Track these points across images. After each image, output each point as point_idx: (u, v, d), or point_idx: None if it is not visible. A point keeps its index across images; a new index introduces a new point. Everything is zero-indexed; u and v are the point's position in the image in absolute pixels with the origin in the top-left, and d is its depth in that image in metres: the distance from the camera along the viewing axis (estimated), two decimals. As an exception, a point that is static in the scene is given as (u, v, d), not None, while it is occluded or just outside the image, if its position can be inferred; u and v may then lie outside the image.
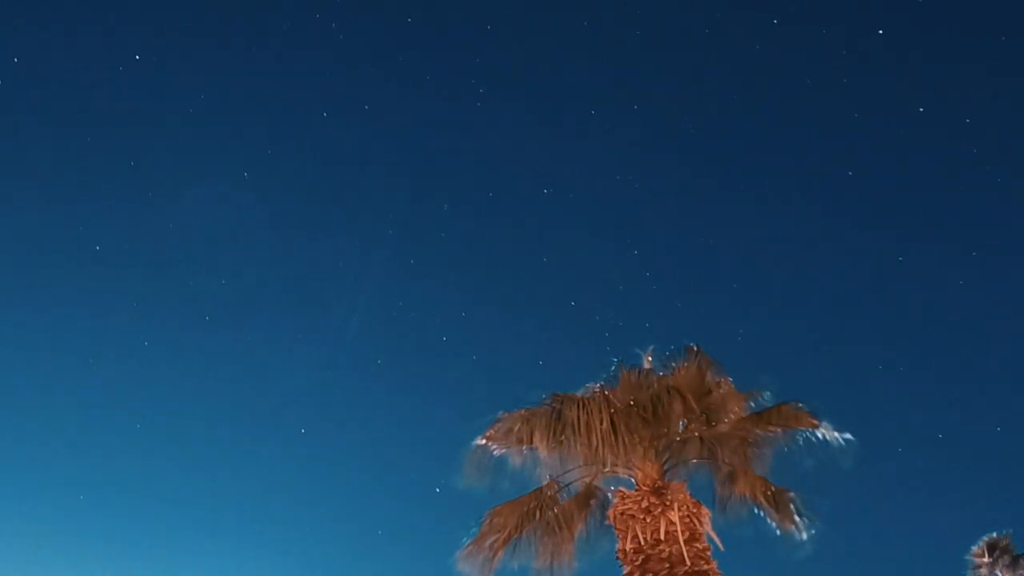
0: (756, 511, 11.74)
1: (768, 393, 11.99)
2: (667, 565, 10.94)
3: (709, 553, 11.27)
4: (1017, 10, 25.20)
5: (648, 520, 11.18)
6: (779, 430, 11.83)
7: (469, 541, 11.80)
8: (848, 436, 11.61)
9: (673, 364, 11.97)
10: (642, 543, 11.15)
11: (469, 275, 29.17)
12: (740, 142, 27.81)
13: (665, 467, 11.77)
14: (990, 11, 25.67)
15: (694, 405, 11.38)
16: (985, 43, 26.34)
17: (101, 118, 26.89)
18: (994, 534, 19.11)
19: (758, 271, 29.06)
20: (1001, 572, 18.61)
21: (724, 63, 26.86)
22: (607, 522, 11.72)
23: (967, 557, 19.21)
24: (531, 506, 11.82)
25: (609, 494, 11.80)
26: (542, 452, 11.21)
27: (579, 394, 11.59)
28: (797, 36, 26.46)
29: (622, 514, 11.40)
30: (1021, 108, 26.80)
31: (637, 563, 11.12)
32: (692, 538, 11.16)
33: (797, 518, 11.73)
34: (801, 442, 11.75)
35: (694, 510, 11.33)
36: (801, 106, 27.11)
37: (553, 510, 11.81)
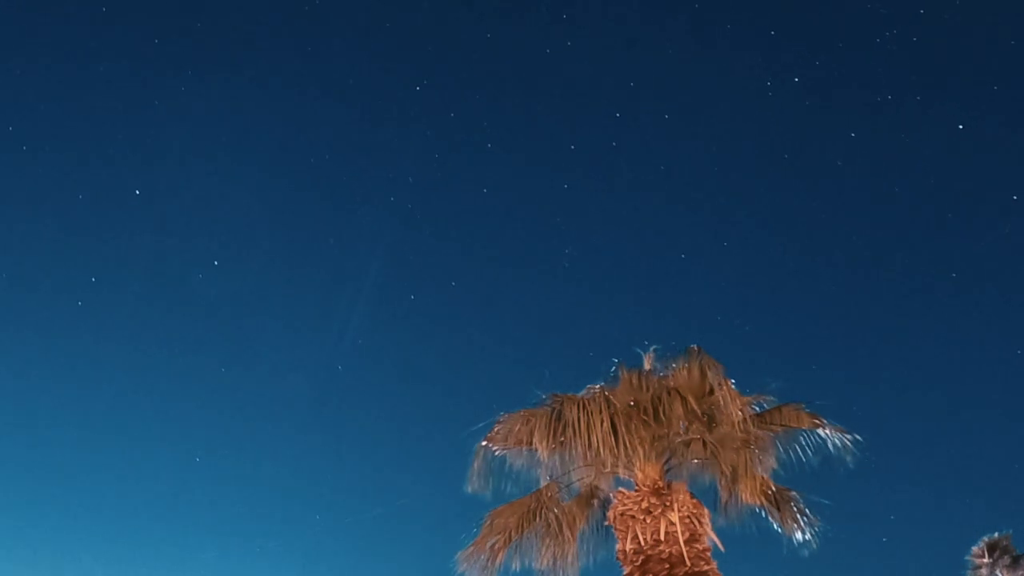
0: (758, 511, 11.71)
1: (771, 396, 11.99)
2: (667, 566, 10.92)
3: (709, 553, 11.25)
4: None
5: (648, 521, 11.16)
6: (781, 430, 11.81)
7: (470, 542, 11.78)
8: (851, 436, 11.59)
9: (674, 365, 11.89)
10: (642, 543, 11.12)
11: (469, 275, 29.16)
12: (740, 141, 27.80)
13: (666, 468, 11.74)
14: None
15: (695, 406, 11.34)
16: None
17: (102, 118, 26.88)
18: (994, 534, 19.06)
19: (760, 271, 29.06)
20: (1001, 572, 18.55)
21: (727, 62, 26.88)
22: (608, 523, 11.70)
23: (967, 557, 19.16)
24: (532, 507, 11.77)
25: (611, 495, 11.77)
26: (542, 453, 11.17)
27: (579, 395, 11.55)
28: (801, 40, 26.47)
29: (622, 515, 11.38)
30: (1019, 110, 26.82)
31: (637, 563, 11.10)
32: (692, 539, 11.13)
33: (799, 518, 11.71)
34: (803, 442, 11.74)
35: (695, 511, 11.30)
36: (800, 106, 27.10)
37: (554, 511, 11.77)
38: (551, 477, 11.83)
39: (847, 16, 25.75)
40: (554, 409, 11.22)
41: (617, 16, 26.05)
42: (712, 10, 25.79)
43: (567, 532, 11.68)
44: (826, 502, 11.90)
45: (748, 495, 11.35)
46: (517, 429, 11.37)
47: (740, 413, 11.30)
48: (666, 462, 11.76)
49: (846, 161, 26.58)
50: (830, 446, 11.60)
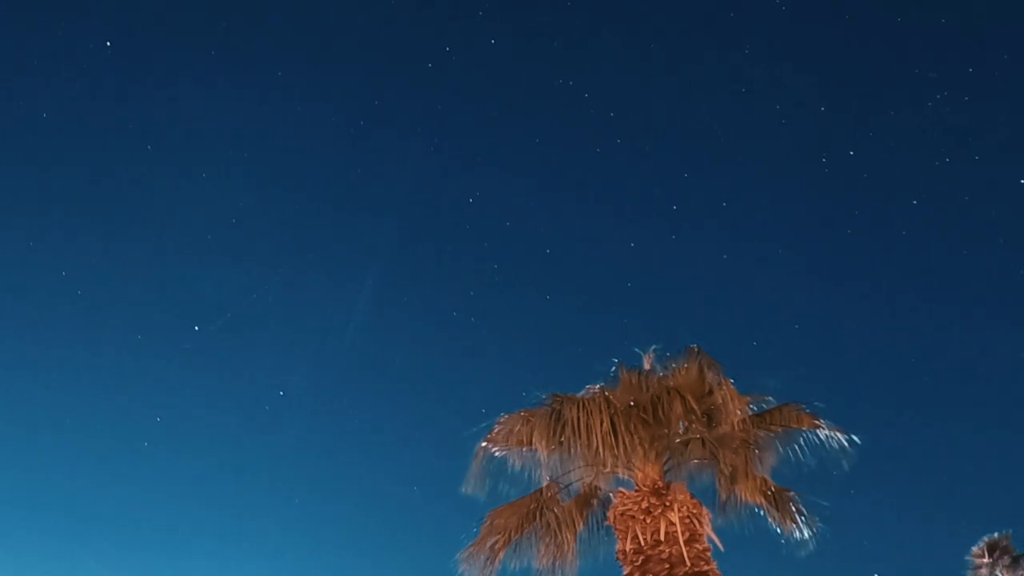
0: (757, 511, 11.72)
1: (770, 396, 12.00)
2: (667, 566, 10.92)
3: (709, 554, 11.25)
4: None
5: (648, 521, 11.16)
6: (780, 431, 11.82)
7: (470, 542, 11.79)
8: (850, 437, 11.60)
9: (674, 365, 11.89)
10: (642, 543, 11.12)
11: (468, 276, 29.17)
12: (740, 141, 27.81)
13: (666, 468, 11.75)
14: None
15: (694, 406, 11.34)
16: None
17: (102, 119, 26.91)
18: (994, 534, 19.08)
19: (760, 272, 29.07)
20: (1001, 572, 18.57)
21: (727, 59, 26.89)
22: (608, 523, 11.70)
23: (967, 557, 19.18)
24: (532, 507, 11.78)
25: (611, 495, 11.78)
26: (542, 453, 11.16)
27: (579, 395, 11.56)
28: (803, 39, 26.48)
29: (622, 515, 11.38)
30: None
31: (637, 564, 11.10)
32: (692, 539, 11.13)
33: (798, 518, 11.72)
34: (802, 442, 11.75)
35: (694, 511, 11.30)
36: (800, 106, 27.12)
37: (554, 511, 11.78)
38: (551, 477, 11.84)
39: (896, 84, 25.68)
40: (554, 409, 11.21)
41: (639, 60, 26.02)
42: (761, 89, 25.81)
43: (567, 532, 11.68)
44: (824, 503, 11.93)
45: (747, 495, 11.38)
46: (517, 429, 11.38)
47: (740, 413, 11.30)
48: (666, 462, 11.77)
49: (911, 229, 26.55)
50: (828, 447, 11.62)
